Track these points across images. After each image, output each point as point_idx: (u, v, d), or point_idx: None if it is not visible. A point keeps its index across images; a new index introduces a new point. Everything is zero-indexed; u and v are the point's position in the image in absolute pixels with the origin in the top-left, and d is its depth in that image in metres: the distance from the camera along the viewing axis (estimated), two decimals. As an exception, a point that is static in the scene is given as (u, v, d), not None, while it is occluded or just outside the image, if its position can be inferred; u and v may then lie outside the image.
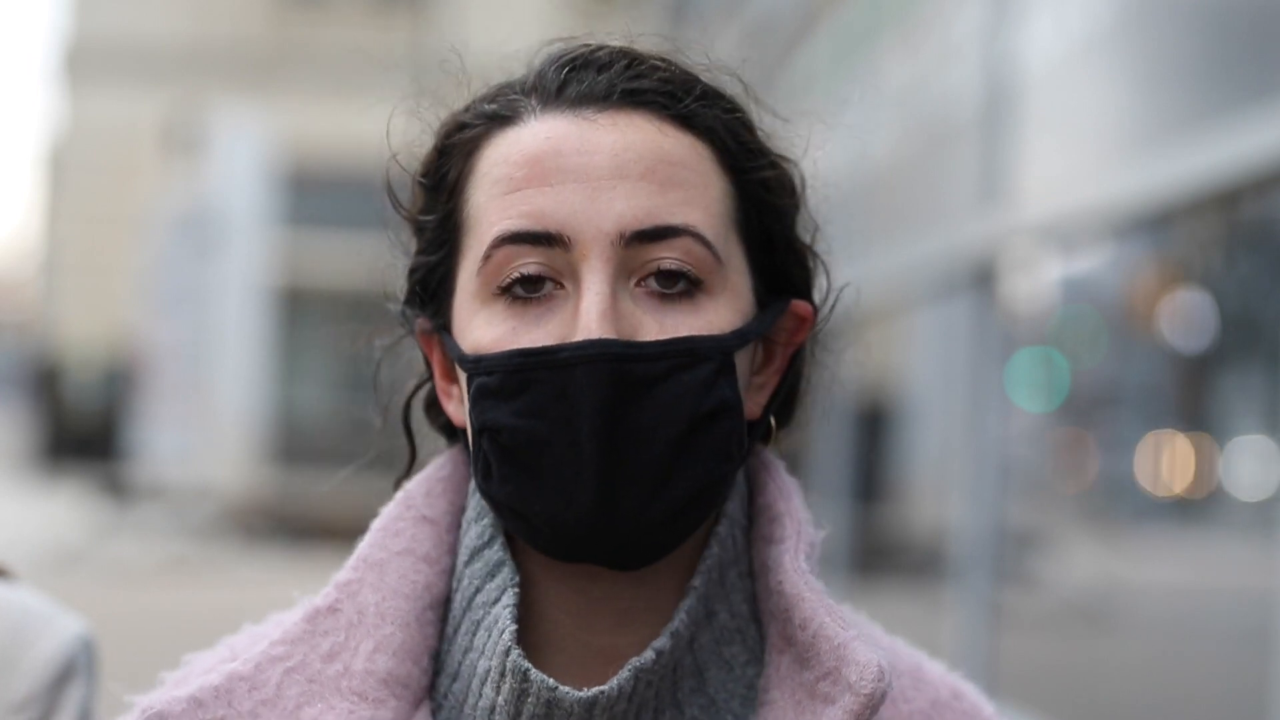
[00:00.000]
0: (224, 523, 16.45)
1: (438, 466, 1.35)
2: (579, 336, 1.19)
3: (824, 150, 1.36)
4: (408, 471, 1.37)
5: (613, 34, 1.31)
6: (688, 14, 13.99)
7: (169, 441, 17.05)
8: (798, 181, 1.33)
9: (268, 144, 17.90)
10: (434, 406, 1.37)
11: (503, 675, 1.22)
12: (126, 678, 1.35)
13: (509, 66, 1.32)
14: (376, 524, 1.31)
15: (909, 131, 8.09)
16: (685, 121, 1.26)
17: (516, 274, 1.22)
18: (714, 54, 1.32)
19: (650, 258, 1.22)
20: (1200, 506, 8.70)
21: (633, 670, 1.21)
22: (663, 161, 1.23)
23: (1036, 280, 7.50)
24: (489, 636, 1.24)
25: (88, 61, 23.88)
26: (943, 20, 8.09)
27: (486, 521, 1.28)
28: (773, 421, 1.33)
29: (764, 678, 1.27)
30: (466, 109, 1.31)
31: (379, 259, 1.39)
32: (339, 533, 1.41)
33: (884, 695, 1.20)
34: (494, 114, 1.28)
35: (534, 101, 1.27)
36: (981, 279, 6.66)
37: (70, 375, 23.73)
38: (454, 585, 1.29)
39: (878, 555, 10.65)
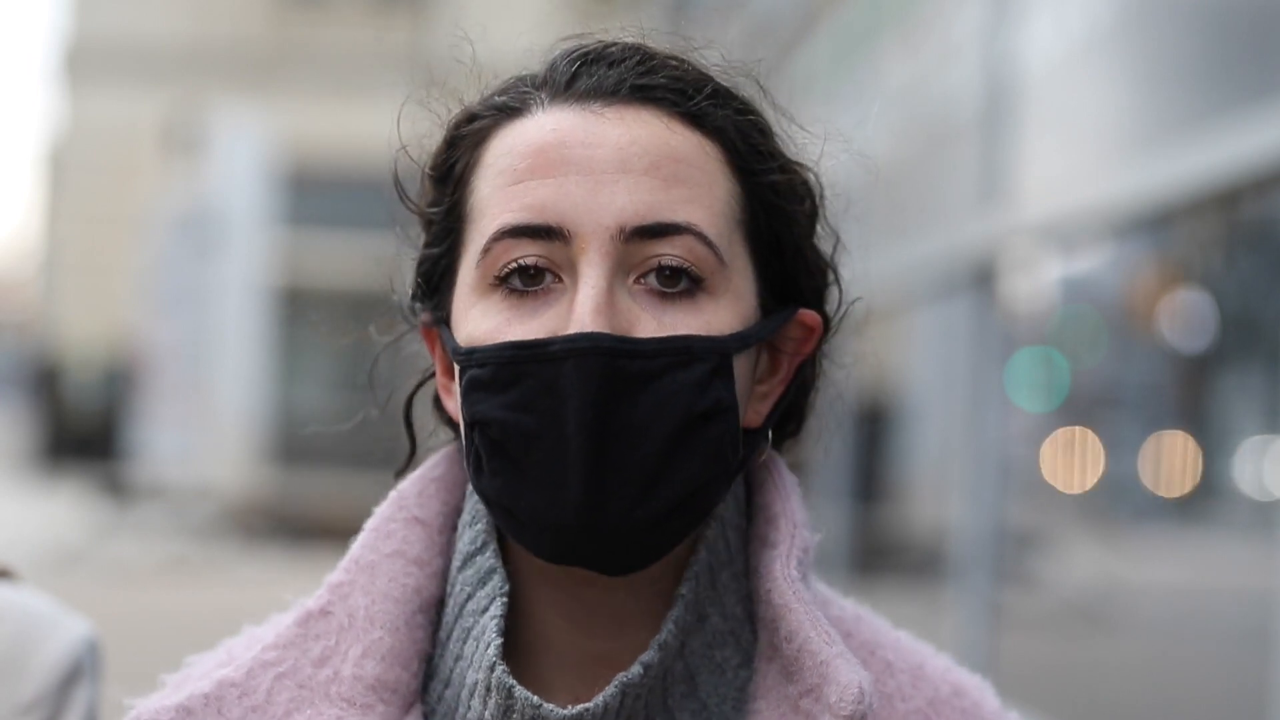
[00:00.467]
0: (224, 523, 16.44)
1: (431, 466, 1.33)
2: (572, 330, 1.17)
3: (824, 150, 1.34)
4: (406, 466, 1.36)
5: (627, 29, 1.29)
6: (688, 14, 13.99)
7: (169, 441, 17.04)
8: (814, 189, 1.31)
9: (268, 144, 17.89)
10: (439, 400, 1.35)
11: (489, 690, 1.20)
12: (127, 678, 1.35)
13: (523, 61, 1.31)
14: (369, 525, 1.30)
15: (909, 131, 8.08)
16: (694, 120, 1.24)
17: (514, 264, 1.20)
18: (729, 55, 1.30)
19: (650, 254, 1.20)
20: (1200, 506, 8.70)
21: (619, 686, 1.19)
22: (668, 158, 1.22)
23: (1036, 280, 7.50)
24: (476, 647, 1.23)
25: (88, 61, 23.87)
26: (943, 20, 8.09)
27: (481, 526, 1.26)
28: (769, 433, 1.30)
29: (752, 684, 1.25)
30: (478, 101, 1.30)
31: (381, 257, 1.38)
32: (339, 533, 1.40)
33: (864, 717, 1.19)
34: (503, 106, 1.27)
35: (543, 94, 1.25)
36: (981, 279, 6.66)
37: (70, 375, 23.72)
38: (448, 589, 1.28)
39: (878, 555, 10.64)
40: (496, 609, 1.23)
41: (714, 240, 1.21)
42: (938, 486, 10.05)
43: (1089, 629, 8.50)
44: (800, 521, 1.28)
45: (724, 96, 1.26)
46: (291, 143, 19.83)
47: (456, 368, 1.24)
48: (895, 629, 1.36)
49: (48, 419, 24.06)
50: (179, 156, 19.32)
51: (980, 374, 6.70)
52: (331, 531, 12.25)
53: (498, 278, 1.21)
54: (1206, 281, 8.45)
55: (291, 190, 19.85)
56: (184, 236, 17.08)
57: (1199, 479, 8.51)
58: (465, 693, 1.23)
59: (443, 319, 1.28)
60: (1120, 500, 9.71)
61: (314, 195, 21.36)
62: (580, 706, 1.19)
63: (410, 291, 1.33)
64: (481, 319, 1.22)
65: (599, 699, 1.19)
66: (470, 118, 1.28)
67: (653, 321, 1.19)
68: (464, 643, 1.24)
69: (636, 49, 1.27)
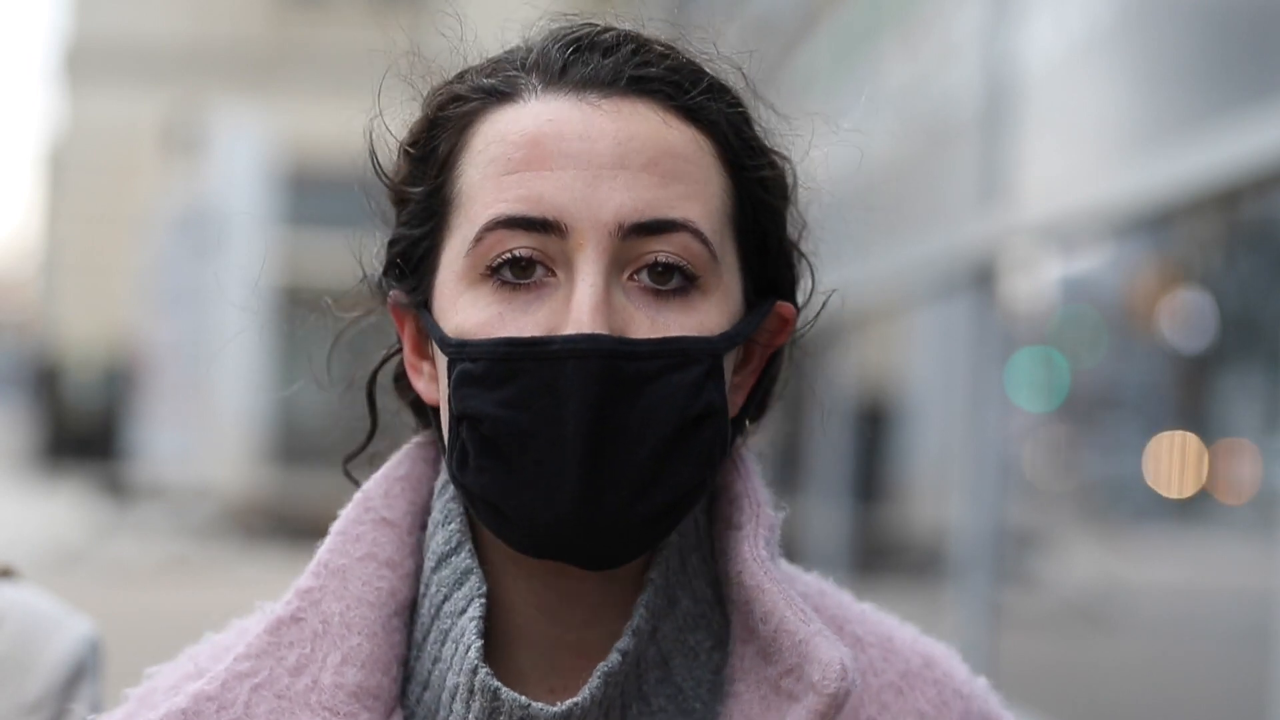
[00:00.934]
0: (224, 523, 16.44)
1: (395, 465, 1.31)
2: (570, 329, 1.16)
3: (825, 150, 1.34)
4: (364, 445, 1.34)
5: (620, 16, 1.27)
6: (687, 14, 13.98)
7: (169, 441, 17.04)
8: (790, 180, 1.30)
9: (268, 144, 17.89)
10: (402, 379, 1.33)
11: (471, 693, 1.19)
12: (127, 678, 1.34)
13: (506, 39, 1.28)
14: (335, 527, 1.27)
15: (909, 131, 8.08)
16: (690, 114, 1.23)
17: (507, 255, 1.18)
18: (719, 44, 1.29)
19: (645, 251, 1.19)
20: (1200, 506, 8.70)
21: (602, 676, 1.19)
22: (666, 154, 1.20)
23: (1036, 280, 7.50)
24: (456, 650, 1.22)
25: (88, 61, 23.87)
26: (943, 20, 8.09)
27: (454, 526, 1.25)
28: (746, 423, 1.30)
29: (729, 668, 1.25)
30: (460, 80, 1.27)
31: (364, 243, 1.36)
32: (339, 533, 1.38)
33: (848, 694, 1.18)
34: (492, 89, 1.24)
35: (535, 80, 1.23)
36: (981, 279, 6.66)
37: (70, 375, 23.71)
38: (421, 590, 1.26)
39: (878, 555, 10.64)
40: (475, 610, 1.21)
41: (709, 238, 1.20)
42: (938, 486, 10.05)
43: (1089, 629, 8.50)
44: (763, 501, 1.27)
45: (718, 90, 1.25)
46: (291, 143, 19.83)
47: (445, 359, 1.21)
48: (859, 601, 1.34)
49: (48, 419, 24.06)
50: (179, 156, 19.32)
51: (980, 374, 6.70)
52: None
53: (489, 268, 1.19)
54: (1206, 281, 8.45)
55: (291, 190, 19.84)
56: (184, 236, 17.08)
57: (1198, 479, 8.51)
58: (446, 695, 1.22)
59: (422, 302, 1.26)
60: (1120, 500, 9.72)
61: (314, 195, 21.36)
62: (569, 702, 1.18)
63: (381, 268, 1.30)
64: (471, 310, 1.20)
65: (585, 692, 1.18)
66: (455, 98, 1.26)
67: (646, 321, 1.18)
68: (442, 645, 1.23)
69: (630, 37, 1.25)
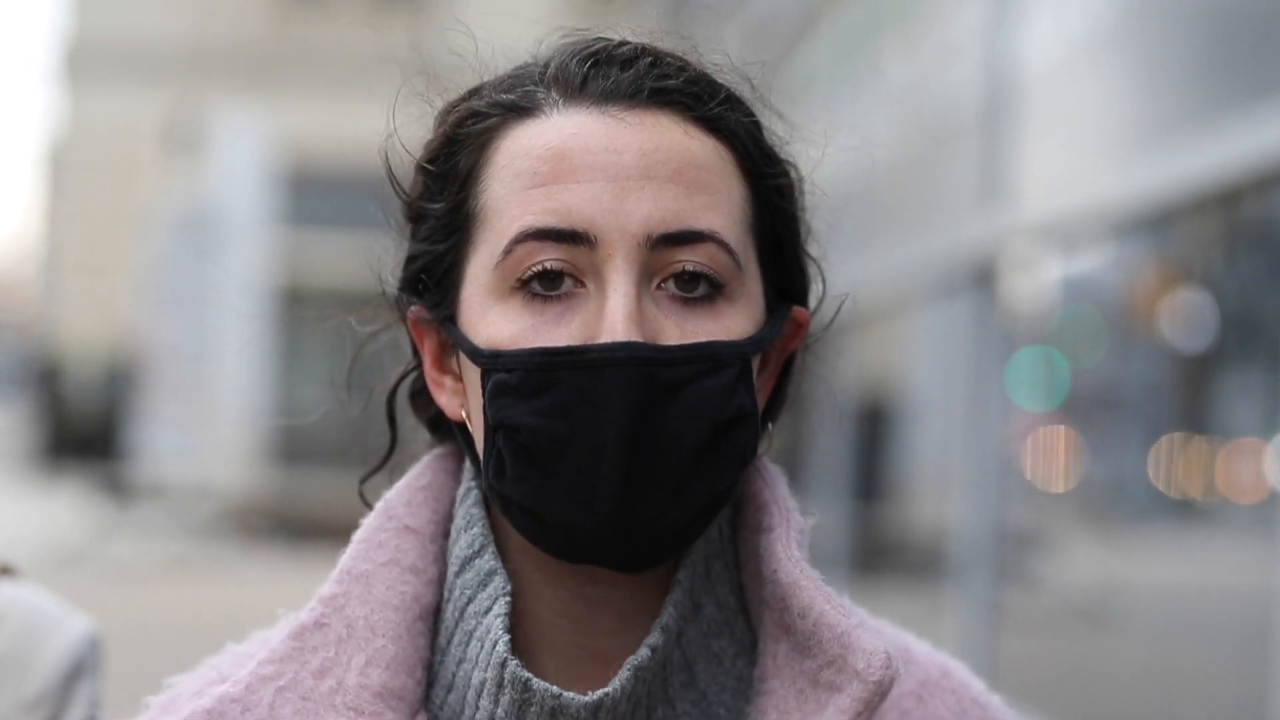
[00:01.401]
0: (224, 523, 16.45)
1: (417, 475, 1.32)
2: (604, 338, 1.18)
3: (825, 151, 1.35)
4: (384, 462, 1.35)
5: (632, 29, 1.29)
6: (688, 14, 13.99)
7: (169, 441, 17.04)
8: (798, 185, 1.32)
9: (268, 144, 17.89)
10: (419, 395, 1.34)
11: (500, 686, 1.20)
12: (127, 678, 1.35)
13: (518, 54, 1.30)
14: (358, 536, 1.29)
15: (909, 131, 8.08)
16: (709, 125, 1.24)
17: (538, 268, 1.20)
18: (728, 54, 1.30)
19: (672, 260, 1.20)
20: (1200, 506, 8.71)
21: (632, 669, 1.20)
22: (689, 164, 1.22)
23: (1036, 280, 7.51)
24: (481, 647, 1.23)
25: (88, 61, 23.88)
26: (943, 20, 8.09)
27: (477, 530, 1.26)
28: (769, 426, 1.32)
29: (760, 667, 1.26)
30: (478, 96, 1.28)
31: (378, 256, 1.37)
32: (339, 532, 1.39)
33: (892, 682, 1.20)
34: (512, 104, 1.25)
35: (555, 94, 1.24)
36: (981, 279, 6.66)
37: (70, 375, 23.72)
38: (445, 595, 1.27)
39: (878, 555, 10.65)
40: (500, 608, 1.23)
41: (734, 247, 1.22)
42: (938, 486, 10.05)
43: (1089, 629, 8.50)
44: (791, 507, 1.29)
45: (734, 100, 1.27)
46: (291, 143, 19.83)
47: (472, 369, 1.23)
48: (875, 618, 1.36)
49: (48, 419, 24.08)
50: (179, 156, 19.32)
51: (980, 374, 6.70)
52: (331, 531, 12.24)
53: (520, 280, 1.21)
54: (1206, 281, 8.45)
55: (291, 190, 19.86)
56: (184, 236, 17.08)
57: (1199, 479, 8.51)
58: (472, 694, 1.23)
59: (447, 317, 1.27)
60: (1120, 500, 9.72)
61: (314, 195, 21.38)
62: (600, 692, 1.20)
63: (400, 284, 1.31)
64: (503, 323, 1.21)
65: (615, 684, 1.20)
66: (473, 114, 1.27)
67: (676, 329, 1.20)
68: (466, 645, 1.24)
69: (646, 50, 1.26)
